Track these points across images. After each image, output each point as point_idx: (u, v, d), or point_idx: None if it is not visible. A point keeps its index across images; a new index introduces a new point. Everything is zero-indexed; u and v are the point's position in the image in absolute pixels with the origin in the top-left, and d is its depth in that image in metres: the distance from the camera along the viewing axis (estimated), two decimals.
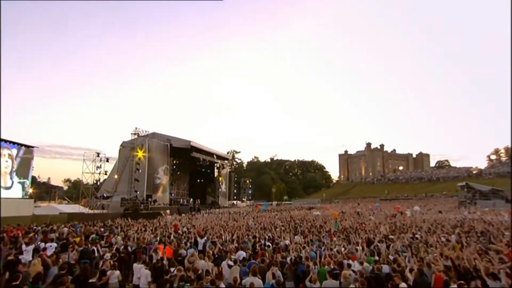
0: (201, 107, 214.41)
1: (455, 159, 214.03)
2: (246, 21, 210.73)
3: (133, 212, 27.29)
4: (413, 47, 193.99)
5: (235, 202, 59.27)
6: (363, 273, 6.82)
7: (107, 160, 31.00)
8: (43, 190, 52.68)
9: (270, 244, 11.74)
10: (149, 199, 32.72)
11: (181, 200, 44.45)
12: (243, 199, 64.06)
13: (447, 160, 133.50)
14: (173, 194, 42.90)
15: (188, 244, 11.69)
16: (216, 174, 52.36)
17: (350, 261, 8.16)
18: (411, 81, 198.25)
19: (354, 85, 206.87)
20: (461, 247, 10.60)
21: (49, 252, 9.59)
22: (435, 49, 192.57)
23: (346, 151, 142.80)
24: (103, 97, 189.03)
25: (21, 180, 26.07)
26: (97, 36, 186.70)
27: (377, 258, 8.92)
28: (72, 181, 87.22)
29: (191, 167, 48.23)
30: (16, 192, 24.84)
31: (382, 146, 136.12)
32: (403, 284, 6.10)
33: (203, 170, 49.99)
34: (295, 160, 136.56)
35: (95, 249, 9.98)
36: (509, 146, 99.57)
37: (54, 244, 10.71)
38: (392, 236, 13.36)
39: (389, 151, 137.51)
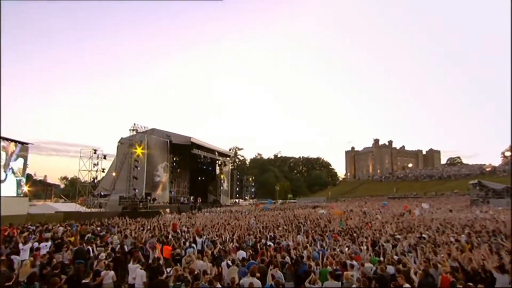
0: (201, 105, 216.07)
1: (468, 155, 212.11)
2: (246, 21, 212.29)
3: (132, 211, 27.43)
4: (413, 47, 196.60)
5: (237, 200, 59.43)
6: (365, 273, 6.80)
7: (105, 157, 31.05)
8: (40, 188, 52.95)
9: (272, 244, 11.77)
10: (148, 198, 32.84)
11: (182, 198, 44.63)
12: (246, 197, 64.20)
13: (459, 157, 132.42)
14: (173, 192, 43.08)
15: (187, 243, 11.74)
16: (217, 171, 52.53)
17: (354, 262, 8.15)
18: (411, 81, 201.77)
19: (354, 85, 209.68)
20: (471, 248, 10.54)
21: (42, 251, 9.66)
22: (435, 49, 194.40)
23: (352, 148, 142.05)
24: (100, 92, 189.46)
25: (18, 178, 26.31)
26: (94, 30, 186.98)
27: (381, 258, 8.90)
28: (69, 179, 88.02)
29: (192, 164, 48.29)
30: (10, 189, 25.00)
31: (390, 142, 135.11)
32: (406, 285, 6.07)
33: (204, 167, 50.01)
34: (299, 157, 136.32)
35: (90, 248, 10.05)
36: None
37: (48, 244, 10.79)
38: (398, 236, 13.34)
39: (397, 147, 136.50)
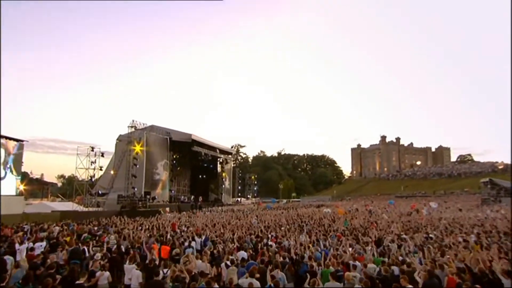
0: (201, 104, 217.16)
1: (479, 153, 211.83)
2: (246, 21, 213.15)
3: (131, 210, 27.57)
4: (413, 47, 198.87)
5: (239, 199, 59.59)
6: (368, 274, 6.79)
7: (102, 155, 30.83)
8: (36, 187, 53.23)
9: (273, 244, 11.79)
10: (148, 196, 32.84)
11: (182, 197, 44.77)
12: (248, 196, 64.33)
13: (469, 154, 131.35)
14: (173, 191, 43.19)
15: (186, 243, 11.77)
16: (219, 169, 52.56)
17: (357, 262, 8.13)
18: (411, 80, 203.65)
19: (354, 85, 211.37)
20: (480, 248, 10.49)
21: (37, 251, 9.73)
22: (435, 49, 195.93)
23: (359, 145, 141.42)
24: (98, 88, 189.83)
25: (16, 177, 26.53)
26: (92, 27, 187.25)
27: (386, 259, 8.87)
28: (66, 177, 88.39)
29: (193, 162, 48.30)
30: (9, 188, 25.19)
31: (398, 139, 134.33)
32: (409, 286, 6.04)
33: (205, 165, 50.10)
34: (304, 155, 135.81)
35: (85, 249, 10.10)
36: None
37: (43, 244, 10.86)
38: (405, 236, 13.30)
39: (405, 144, 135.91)
